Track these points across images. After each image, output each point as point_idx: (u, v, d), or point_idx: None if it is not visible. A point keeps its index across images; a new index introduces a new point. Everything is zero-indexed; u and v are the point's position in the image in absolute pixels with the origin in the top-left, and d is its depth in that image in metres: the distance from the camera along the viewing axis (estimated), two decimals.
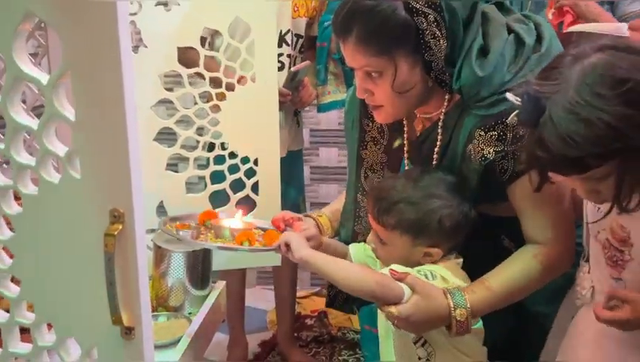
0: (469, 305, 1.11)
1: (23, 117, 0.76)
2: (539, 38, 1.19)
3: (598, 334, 1.10)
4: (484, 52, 1.17)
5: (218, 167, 1.68)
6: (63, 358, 0.82)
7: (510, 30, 1.20)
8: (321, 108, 2.34)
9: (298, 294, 2.69)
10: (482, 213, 1.22)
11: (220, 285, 1.53)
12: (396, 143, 1.36)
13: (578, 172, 0.94)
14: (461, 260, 1.22)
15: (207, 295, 1.47)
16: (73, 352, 0.82)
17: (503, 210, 1.22)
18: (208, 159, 1.69)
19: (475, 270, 1.19)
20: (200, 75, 1.65)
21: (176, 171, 1.75)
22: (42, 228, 0.78)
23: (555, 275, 1.20)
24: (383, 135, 1.37)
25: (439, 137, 1.24)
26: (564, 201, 1.17)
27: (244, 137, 1.64)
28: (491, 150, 1.16)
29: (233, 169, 1.68)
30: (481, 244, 1.21)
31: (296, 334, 2.65)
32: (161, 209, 1.65)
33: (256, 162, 1.65)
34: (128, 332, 0.76)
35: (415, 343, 1.18)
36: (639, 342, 1.06)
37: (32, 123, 0.76)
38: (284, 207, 1.60)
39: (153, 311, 1.39)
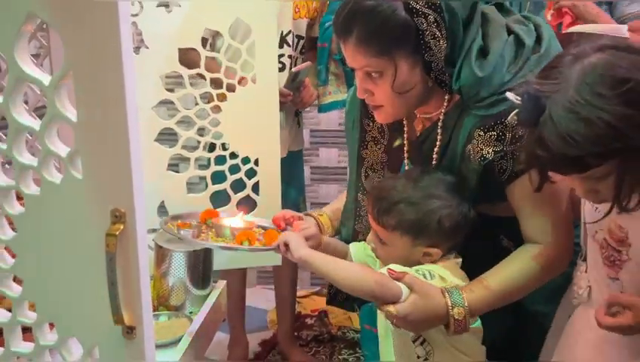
0: (466, 304, 1.11)
1: (25, 117, 0.77)
2: (538, 39, 1.20)
3: (600, 340, 1.09)
4: (483, 53, 1.17)
5: (219, 168, 1.69)
6: (64, 357, 0.83)
7: (510, 31, 1.20)
8: (322, 109, 2.34)
9: (298, 293, 2.69)
10: (481, 213, 1.23)
11: (221, 284, 1.53)
12: (396, 143, 1.36)
13: (578, 171, 0.94)
14: (460, 260, 1.22)
15: (208, 294, 1.48)
16: (75, 351, 0.82)
17: (502, 210, 1.23)
18: (209, 159, 1.70)
19: (474, 270, 1.20)
20: (201, 76, 1.66)
21: (177, 171, 1.75)
22: (44, 228, 0.78)
23: (554, 275, 1.20)
24: (384, 135, 1.37)
25: (439, 137, 1.25)
26: (562, 201, 1.17)
27: (244, 138, 1.64)
28: (490, 150, 1.16)
29: (234, 169, 1.69)
30: (480, 244, 1.21)
31: (296, 333, 2.65)
32: (162, 209, 1.65)
33: (256, 162, 1.65)
34: (130, 331, 0.76)
35: (414, 342, 1.19)
36: None
37: (34, 123, 0.76)
38: (284, 207, 1.60)
39: (154, 310, 1.39)
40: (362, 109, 1.38)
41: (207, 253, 1.45)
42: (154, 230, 1.50)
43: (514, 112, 1.05)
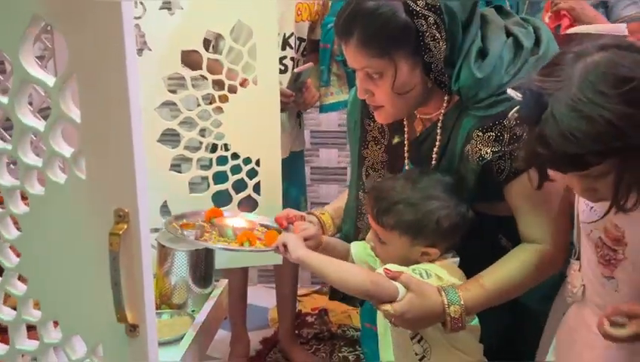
0: (462, 302, 1.12)
1: (29, 118, 0.78)
2: (537, 41, 1.20)
3: (597, 339, 1.07)
4: (482, 54, 1.18)
5: (221, 168, 1.70)
6: (68, 355, 0.84)
7: (509, 33, 1.21)
8: (324, 109, 2.35)
9: (299, 292, 2.69)
10: (480, 212, 1.23)
11: (223, 283, 1.54)
12: (395, 140, 1.37)
13: (577, 169, 0.94)
14: (458, 259, 1.22)
15: (210, 293, 1.49)
16: (79, 349, 0.83)
17: (500, 209, 1.23)
18: (211, 160, 1.71)
19: (472, 269, 1.20)
20: (203, 78, 1.67)
21: (180, 172, 1.76)
22: (48, 227, 0.79)
23: (550, 273, 1.21)
24: (384, 135, 1.38)
25: (438, 137, 1.26)
26: (559, 201, 1.18)
27: (246, 138, 1.65)
28: (489, 150, 1.17)
29: (235, 169, 1.70)
30: (478, 244, 1.22)
31: (297, 331, 2.66)
32: (164, 209, 1.66)
33: (258, 163, 1.66)
34: (133, 329, 0.77)
35: (412, 339, 1.20)
36: None
37: (39, 124, 0.77)
38: (286, 205, 1.61)
39: (157, 308, 1.39)
40: (363, 110, 1.39)
41: (208, 252, 1.46)
42: (157, 229, 1.51)
43: (514, 110, 1.05)
